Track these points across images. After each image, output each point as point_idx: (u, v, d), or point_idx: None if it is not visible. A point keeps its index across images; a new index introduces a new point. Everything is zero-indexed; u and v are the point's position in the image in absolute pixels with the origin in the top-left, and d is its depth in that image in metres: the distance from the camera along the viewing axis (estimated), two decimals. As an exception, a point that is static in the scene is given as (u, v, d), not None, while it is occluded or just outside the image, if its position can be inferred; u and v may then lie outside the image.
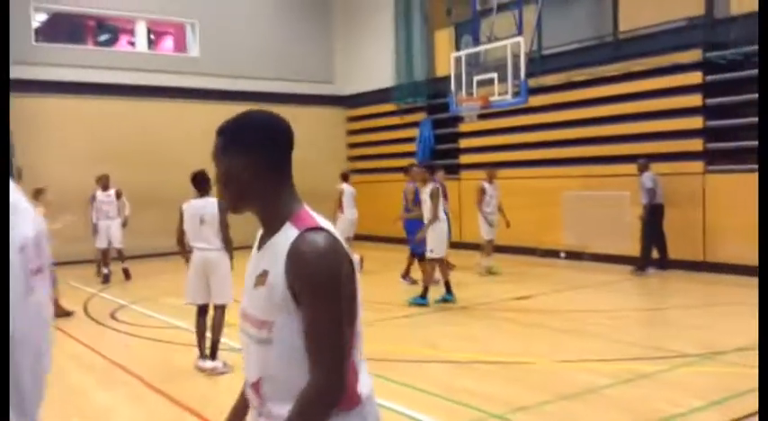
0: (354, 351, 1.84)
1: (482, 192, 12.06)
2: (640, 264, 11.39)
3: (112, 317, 9.26)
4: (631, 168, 11.90)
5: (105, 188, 12.53)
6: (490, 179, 12.22)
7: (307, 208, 1.88)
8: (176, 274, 13.09)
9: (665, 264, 11.53)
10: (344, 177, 13.22)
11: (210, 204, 6.48)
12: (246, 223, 2.70)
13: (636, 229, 11.75)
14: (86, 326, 8.70)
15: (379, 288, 11.06)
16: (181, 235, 6.70)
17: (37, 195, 9.34)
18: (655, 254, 11.58)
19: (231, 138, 1.87)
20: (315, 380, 1.73)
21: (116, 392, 5.93)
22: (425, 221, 9.27)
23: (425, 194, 9.30)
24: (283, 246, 1.76)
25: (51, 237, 1.80)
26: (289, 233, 1.79)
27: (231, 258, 6.53)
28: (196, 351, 6.52)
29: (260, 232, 1.94)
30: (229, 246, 6.53)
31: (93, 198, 12.57)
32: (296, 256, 1.73)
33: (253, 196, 1.86)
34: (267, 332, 1.79)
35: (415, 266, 10.90)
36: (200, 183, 6.61)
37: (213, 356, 6.33)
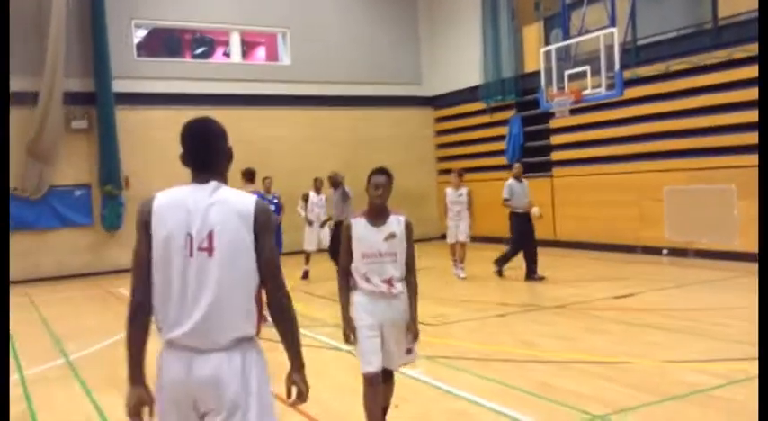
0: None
1: None
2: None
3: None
4: (736, 160, 11.32)
5: (318, 191, 12.77)
6: None
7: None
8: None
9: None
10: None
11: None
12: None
13: (745, 223, 11.15)
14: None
15: (473, 287, 10.98)
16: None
17: None
18: None
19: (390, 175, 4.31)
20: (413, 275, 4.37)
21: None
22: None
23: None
24: None
25: None
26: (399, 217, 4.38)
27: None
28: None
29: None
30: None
31: (306, 198, 12.81)
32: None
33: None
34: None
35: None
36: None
37: None
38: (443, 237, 12.71)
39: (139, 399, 2.60)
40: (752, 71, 11.38)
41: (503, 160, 16.98)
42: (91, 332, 9.00)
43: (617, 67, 11.34)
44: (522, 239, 11.26)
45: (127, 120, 15.88)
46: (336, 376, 6.21)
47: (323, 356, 6.94)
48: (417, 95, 19.57)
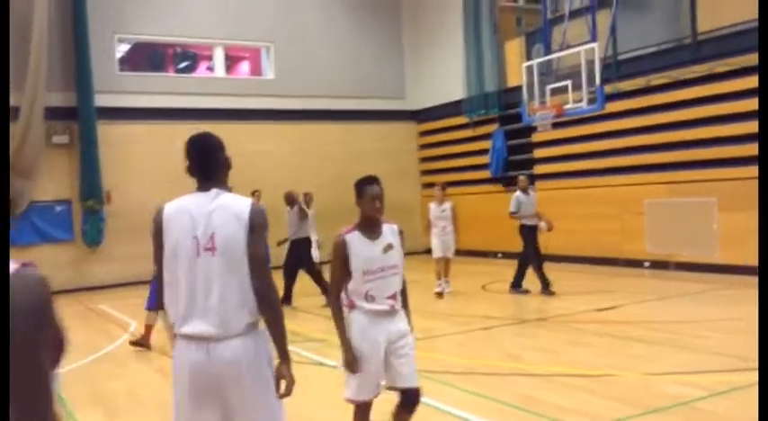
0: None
1: None
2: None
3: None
4: (717, 173, 11.45)
5: (308, 205, 11.98)
6: None
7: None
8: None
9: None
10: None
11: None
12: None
13: (725, 236, 11.27)
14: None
15: (458, 301, 10.99)
16: None
17: None
18: None
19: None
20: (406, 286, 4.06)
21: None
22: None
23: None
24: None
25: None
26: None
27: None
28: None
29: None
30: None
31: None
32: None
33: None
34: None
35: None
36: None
37: None
38: (428, 251, 12.66)
39: None
40: (732, 85, 11.58)
41: (486, 174, 17.08)
42: (73, 349, 8.84)
43: (598, 81, 11.47)
44: (533, 250, 11.10)
45: (109, 134, 15.79)
46: (321, 391, 6.18)
47: (307, 371, 6.89)
48: (401, 109, 19.65)
